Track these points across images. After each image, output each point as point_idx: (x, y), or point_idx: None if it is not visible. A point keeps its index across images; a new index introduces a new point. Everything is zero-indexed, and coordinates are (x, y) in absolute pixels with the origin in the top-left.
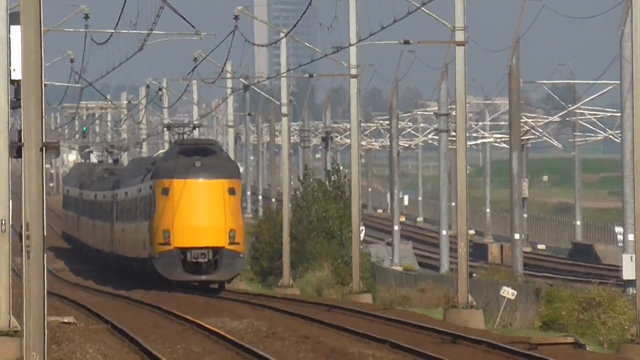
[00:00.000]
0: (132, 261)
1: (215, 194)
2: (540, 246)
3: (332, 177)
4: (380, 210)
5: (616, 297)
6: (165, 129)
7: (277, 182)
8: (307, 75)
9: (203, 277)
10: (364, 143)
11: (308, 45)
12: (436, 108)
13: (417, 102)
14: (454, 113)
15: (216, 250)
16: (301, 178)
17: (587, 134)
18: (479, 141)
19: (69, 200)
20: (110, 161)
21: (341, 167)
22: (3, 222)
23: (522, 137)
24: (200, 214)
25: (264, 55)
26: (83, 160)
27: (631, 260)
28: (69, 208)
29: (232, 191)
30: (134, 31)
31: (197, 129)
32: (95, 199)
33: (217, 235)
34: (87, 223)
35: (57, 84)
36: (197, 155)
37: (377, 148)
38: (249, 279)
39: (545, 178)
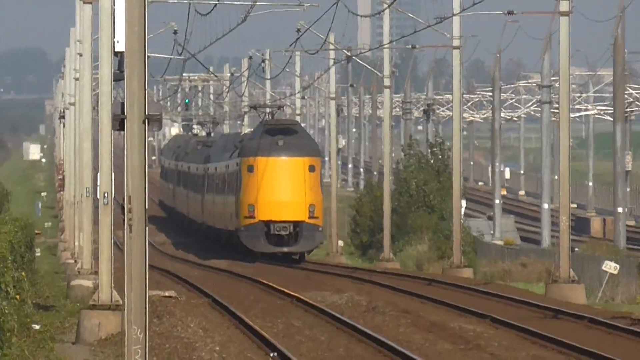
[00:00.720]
0: (220, 232)
1: (297, 171)
2: None
3: (435, 149)
4: (481, 183)
5: None
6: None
7: (378, 155)
8: (410, 46)
9: (285, 249)
10: (466, 115)
11: (411, 15)
12: (539, 79)
13: (520, 74)
14: (557, 84)
15: (297, 223)
16: (404, 148)
17: None
18: (582, 113)
19: (166, 170)
20: (203, 134)
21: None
22: (106, 195)
23: (626, 109)
24: (283, 190)
25: (367, 26)
26: (184, 133)
27: None
28: (165, 178)
29: (312, 168)
30: (238, 2)
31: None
32: (189, 170)
33: (298, 210)
34: (181, 193)
35: (160, 55)
36: (280, 134)
37: (480, 120)
38: (349, 253)
39: None
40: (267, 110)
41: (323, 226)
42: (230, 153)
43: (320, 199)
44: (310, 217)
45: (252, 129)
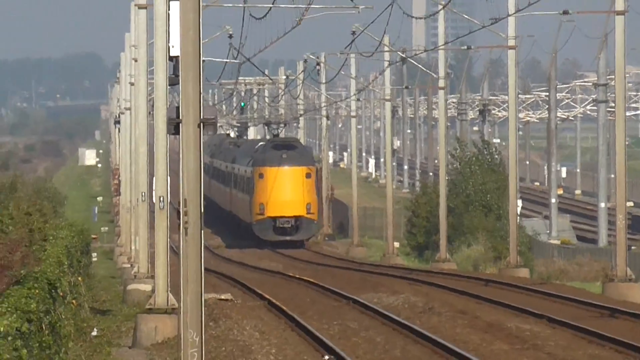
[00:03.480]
0: (241, 221)
1: (296, 178)
2: None
3: (485, 150)
4: (537, 183)
5: None
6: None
7: (434, 156)
8: (465, 47)
9: (288, 238)
10: (521, 115)
11: (466, 17)
12: (595, 79)
13: (576, 73)
14: (612, 83)
15: (297, 218)
16: (456, 151)
17: None
18: (638, 112)
19: (204, 165)
20: (234, 135)
21: (498, 140)
22: (161, 199)
23: None
24: (286, 192)
25: (421, 28)
26: (238, 136)
27: None
28: (203, 171)
29: (308, 175)
30: (293, 5)
31: (359, 99)
32: (220, 166)
33: (297, 207)
34: (215, 185)
35: (215, 59)
36: (284, 149)
37: (535, 120)
38: (405, 254)
39: None
40: (274, 127)
41: (318, 220)
42: (248, 160)
43: (315, 199)
44: (307, 213)
45: (262, 142)
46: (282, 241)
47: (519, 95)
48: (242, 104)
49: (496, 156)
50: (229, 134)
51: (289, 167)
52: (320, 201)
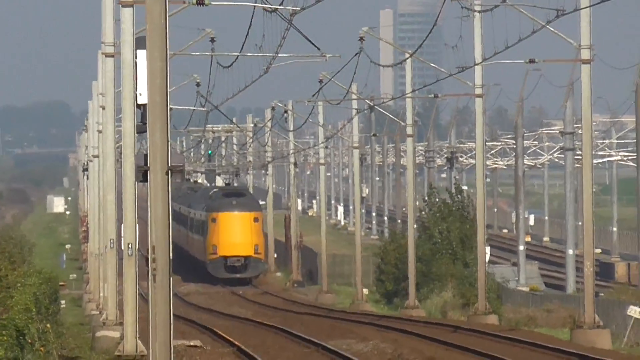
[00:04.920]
0: (197, 261)
1: (245, 222)
2: None
3: (456, 197)
4: (505, 230)
5: None
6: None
7: (402, 203)
8: (432, 95)
9: (237, 275)
10: (489, 162)
11: (433, 65)
12: (562, 127)
13: (543, 121)
14: (579, 131)
15: (246, 257)
16: (426, 198)
17: None
18: (605, 159)
19: None
20: (193, 180)
21: (466, 187)
22: (130, 245)
23: None
24: (236, 235)
25: (389, 76)
26: (208, 184)
27: None
28: None
29: (256, 219)
30: (260, 54)
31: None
32: (180, 210)
33: (246, 248)
34: (174, 226)
35: (183, 107)
36: (234, 196)
37: (503, 167)
38: (375, 301)
39: None
40: (224, 176)
41: (264, 260)
42: (202, 205)
43: (262, 241)
44: (255, 253)
45: (215, 189)
46: (232, 278)
47: (487, 143)
48: (210, 151)
49: (467, 203)
50: (195, 181)
51: (239, 213)
52: (266, 243)
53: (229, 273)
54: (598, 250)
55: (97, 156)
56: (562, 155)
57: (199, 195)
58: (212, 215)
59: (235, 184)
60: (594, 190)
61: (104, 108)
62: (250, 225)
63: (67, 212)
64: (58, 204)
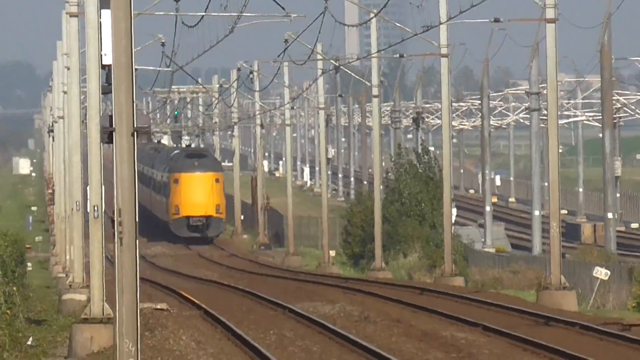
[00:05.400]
0: (159, 221)
1: (206, 182)
2: (634, 225)
3: (423, 158)
4: (472, 191)
5: None
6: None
7: (368, 164)
8: (398, 55)
9: (199, 235)
10: (455, 123)
11: (398, 25)
12: (527, 87)
13: (508, 81)
14: (545, 91)
15: (207, 217)
16: (394, 157)
17: None
18: (570, 120)
19: None
20: (168, 143)
21: (432, 148)
22: (96, 208)
23: (615, 115)
24: (198, 195)
25: (354, 36)
26: (174, 145)
27: None
28: None
29: (217, 180)
30: (225, 14)
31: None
32: (143, 170)
33: (208, 208)
34: (138, 187)
35: (148, 68)
36: (195, 157)
37: (469, 128)
38: (341, 263)
39: (638, 156)
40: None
41: (225, 219)
42: (164, 166)
43: (223, 201)
44: (217, 213)
45: (176, 150)
46: (194, 237)
47: (453, 103)
48: (176, 112)
49: (433, 164)
50: (159, 141)
51: (200, 173)
52: (228, 202)
53: (191, 232)
54: (564, 211)
55: (63, 117)
56: (528, 116)
57: (162, 156)
58: (175, 176)
59: (201, 145)
60: (560, 150)
61: (68, 69)
62: (211, 185)
63: (33, 174)
64: (24, 166)
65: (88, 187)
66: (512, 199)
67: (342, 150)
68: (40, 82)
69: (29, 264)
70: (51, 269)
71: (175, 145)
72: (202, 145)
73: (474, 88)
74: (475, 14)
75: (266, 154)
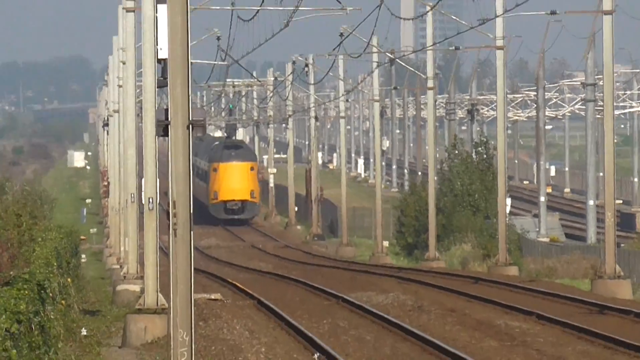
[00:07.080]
0: (201, 204)
1: (242, 171)
2: None
3: (480, 149)
4: (526, 182)
5: None
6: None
7: (423, 155)
8: (453, 48)
9: (236, 217)
10: (510, 114)
11: (454, 17)
12: (583, 78)
13: (564, 73)
14: (601, 83)
15: (243, 201)
16: (449, 148)
17: None
18: (626, 110)
19: None
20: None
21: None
22: (151, 200)
23: None
24: (234, 182)
25: (409, 29)
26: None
27: None
28: None
29: (252, 169)
30: (280, 7)
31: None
32: None
33: (243, 193)
34: None
35: (203, 62)
36: (233, 148)
37: (524, 119)
38: (395, 253)
39: None
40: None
41: (260, 204)
42: (206, 155)
43: (257, 187)
44: (251, 197)
45: (216, 143)
46: (231, 219)
47: (508, 95)
48: (230, 105)
49: (490, 155)
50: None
51: (237, 163)
52: (263, 188)
53: (228, 215)
54: (619, 201)
55: (118, 111)
56: (584, 107)
57: (204, 145)
58: (214, 165)
59: (239, 138)
60: (615, 141)
61: (124, 63)
62: (247, 173)
63: (88, 167)
64: (79, 159)
65: (143, 180)
66: (567, 190)
67: (397, 142)
68: (96, 76)
69: (83, 256)
70: (105, 261)
71: (217, 137)
72: (256, 138)
73: (529, 80)
74: (531, 6)
75: (320, 146)
